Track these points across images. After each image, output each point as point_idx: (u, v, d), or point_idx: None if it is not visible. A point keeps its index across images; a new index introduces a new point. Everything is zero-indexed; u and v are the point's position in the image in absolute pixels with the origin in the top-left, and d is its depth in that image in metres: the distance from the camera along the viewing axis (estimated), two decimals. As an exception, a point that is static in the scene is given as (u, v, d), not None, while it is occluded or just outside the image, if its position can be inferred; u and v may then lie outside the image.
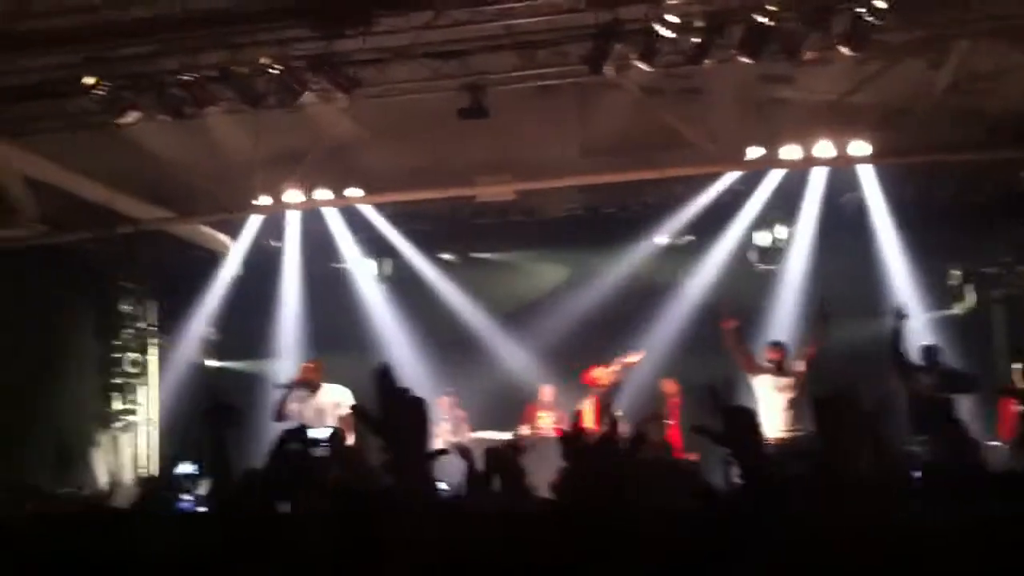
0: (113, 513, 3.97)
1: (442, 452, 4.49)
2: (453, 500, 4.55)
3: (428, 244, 13.84)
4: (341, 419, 9.79)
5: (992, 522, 2.93)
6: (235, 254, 13.56)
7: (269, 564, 2.95)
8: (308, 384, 10.63)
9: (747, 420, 3.25)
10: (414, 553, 2.74)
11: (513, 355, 13.59)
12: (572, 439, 3.82)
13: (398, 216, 13.41)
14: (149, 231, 12.81)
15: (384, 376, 2.96)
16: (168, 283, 14.48)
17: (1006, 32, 9.55)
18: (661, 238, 13.06)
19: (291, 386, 10.63)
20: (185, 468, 11.02)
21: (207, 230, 13.42)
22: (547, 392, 12.36)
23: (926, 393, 9.62)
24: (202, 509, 8.32)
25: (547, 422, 11.93)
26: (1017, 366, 9.81)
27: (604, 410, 10.99)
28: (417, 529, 2.76)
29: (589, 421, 11.01)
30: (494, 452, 5.01)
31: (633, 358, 11.17)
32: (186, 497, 10.06)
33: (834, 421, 3.13)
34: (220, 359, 14.57)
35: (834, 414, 3.14)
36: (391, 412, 2.98)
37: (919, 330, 11.02)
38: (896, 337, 9.81)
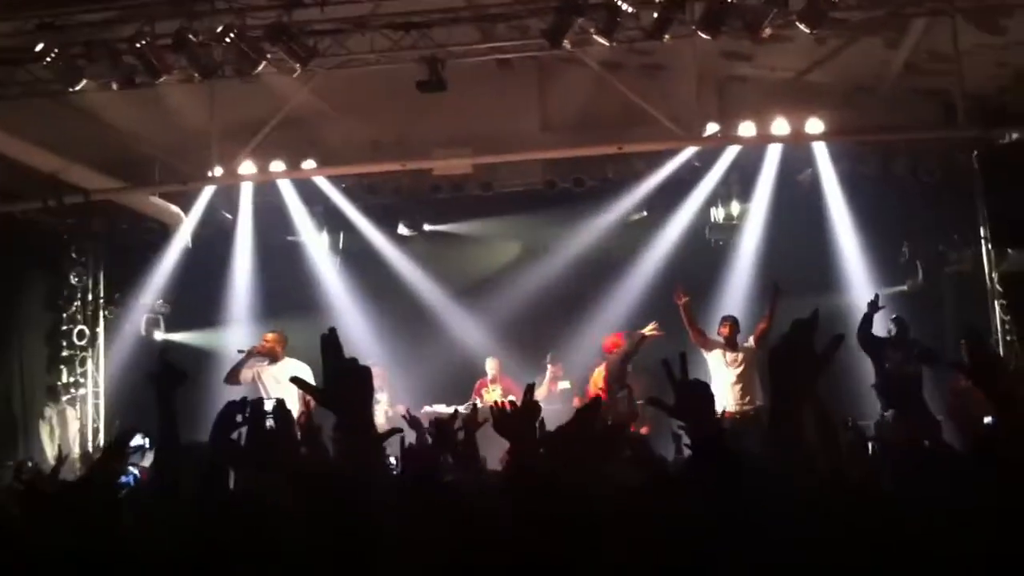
0: (57, 488, 3.87)
1: (395, 431, 4.48)
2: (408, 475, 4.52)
3: (384, 217, 13.75)
4: (301, 395, 9.77)
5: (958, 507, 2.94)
6: (187, 226, 13.38)
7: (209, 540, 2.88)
8: (269, 354, 10.59)
9: (700, 393, 3.24)
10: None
11: (468, 329, 13.58)
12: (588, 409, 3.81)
13: (354, 189, 13.32)
14: (100, 201, 12.59)
15: (328, 343, 2.87)
16: (119, 254, 14.26)
17: (963, 12, 9.67)
18: (618, 213, 13.06)
19: (250, 353, 10.59)
20: (136, 440, 10.87)
21: (159, 201, 13.21)
22: (492, 365, 12.43)
23: (896, 368, 9.81)
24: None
25: (495, 396, 11.95)
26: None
27: (612, 378, 11.02)
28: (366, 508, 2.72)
29: (596, 388, 11.18)
30: (442, 424, 4.93)
31: (653, 330, 11.06)
32: (134, 470, 9.95)
33: (787, 372, 3.11)
34: (170, 331, 14.38)
35: (788, 363, 3.10)
36: (335, 382, 2.89)
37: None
38: (866, 322, 9.98)
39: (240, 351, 10.70)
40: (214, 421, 3.63)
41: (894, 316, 10.38)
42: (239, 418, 3.67)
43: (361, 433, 2.79)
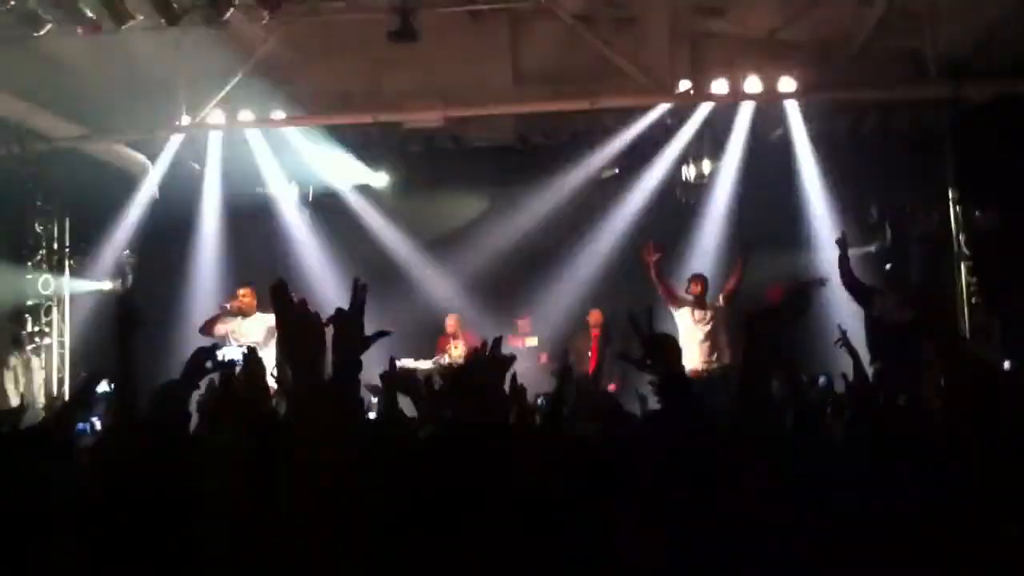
0: (10, 433, 3.84)
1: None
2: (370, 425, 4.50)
3: (353, 169, 13.65)
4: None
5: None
6: (154, 176, 13.21)
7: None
8: (240, 311, 10.57)
9: (668, 346, 3.25)
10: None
11: (437, 283, 13.56)
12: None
13: (323, 140, 13.19)
14: (65, 149, 12.40)
15: (276, 294, 2.83)
16: (84, 203, 14.06)
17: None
18: (589, 170, 13.01)
19: (225, 311, 10.60)
20: (101, 387, 10.79)
21: (126, 150, 13.04)
22: (451, 322, 12.48)
23: (887, 315, 9.64)
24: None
25: (458, 352, 12.07)
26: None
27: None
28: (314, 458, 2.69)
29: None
30: (405, 379, 4.93)
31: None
32: (95, 419, 9.88)
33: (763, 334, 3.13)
34: (136, 281, 14.22)
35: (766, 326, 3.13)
36: (284, 332, 2.86)
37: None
38: (843, 263, 9.86)
39: (223, 307, 10.73)
40: (184, 366, 3.60)
41: (888, 265, 10.31)
42: (208, 364, 3.65)
43: (310, 383, 2.76)
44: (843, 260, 9.85)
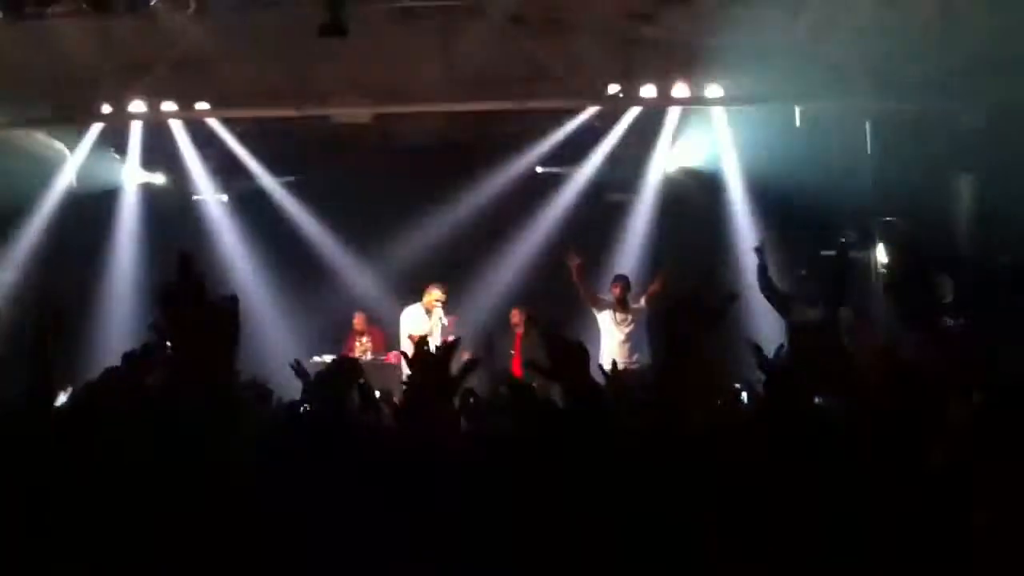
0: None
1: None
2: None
3: (277, 164, 13.51)
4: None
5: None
6: (72, 165, 12.90)
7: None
8: None
9: (577, 356, 3.25)
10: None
11: (361, 281, 13.49)
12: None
13: (248, 134, 13.03)
14: (-19, 135, 12.06)
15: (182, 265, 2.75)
16: (-1, 190, 13.68)
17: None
18: (517, 170, 13.05)
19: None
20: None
21: (43, 137, 12.72)
22: (359, 319, 12.59)
23: (801, 318, 9.81)
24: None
25: (364, 348, 12.33)
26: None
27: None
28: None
29: None
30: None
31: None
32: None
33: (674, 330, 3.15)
34: (52, 272, 13.86)
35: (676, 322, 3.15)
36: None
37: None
38: (761, 272, 10.00)
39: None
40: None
41: (802, 272, 10.50)
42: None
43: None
44: (762, 269, 10.02)
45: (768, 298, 9.96)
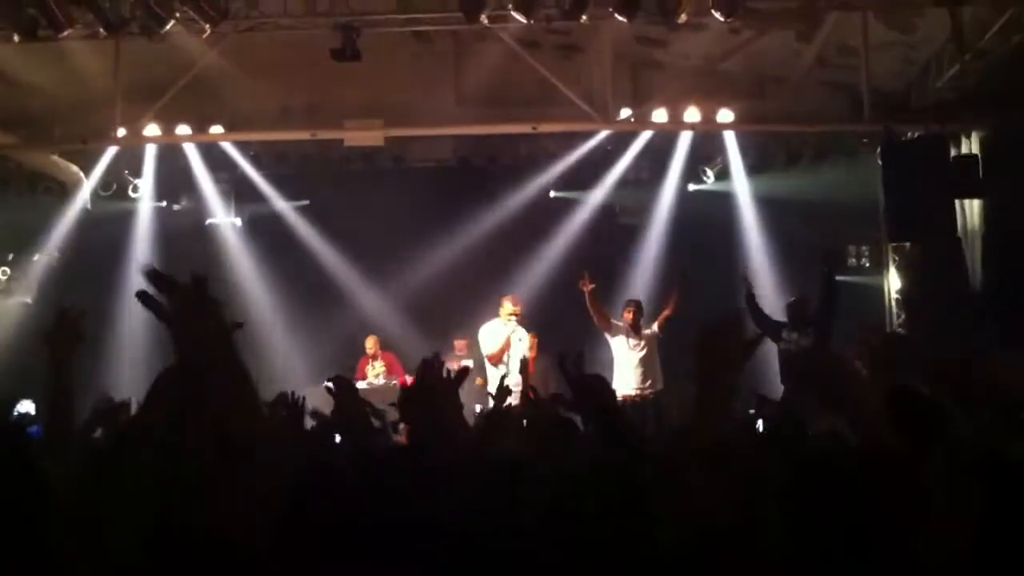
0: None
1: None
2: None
3: (291, 187, 13.56)
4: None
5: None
6: (87, 187, 12.99)
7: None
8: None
9: (599, 389, 3.25)
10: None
11: (373, 305, 13.48)
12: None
13: (261, 157, 13.10)
14: (-4, 157, 12.17)
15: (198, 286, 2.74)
16: (15, 213, 13.77)
17: (873, 8, 9.87)
18: (529, 193, 13.08)
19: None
20: (23, 407, 10.51)
21: (59, 160, 12.81)
22: (371, 343, 12.43)
23: (793, 346, 10.01)
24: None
25: (377, 371, 12.18)
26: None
27: None
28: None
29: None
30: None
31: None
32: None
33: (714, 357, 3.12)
34: (66, 292, 13.92)
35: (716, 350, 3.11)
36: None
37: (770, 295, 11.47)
38: (750, 300, 10.21)
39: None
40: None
41: (792, 300, 10.55)
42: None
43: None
44: (750, 297, 10.23)
45: (757, 324, 9.98)
